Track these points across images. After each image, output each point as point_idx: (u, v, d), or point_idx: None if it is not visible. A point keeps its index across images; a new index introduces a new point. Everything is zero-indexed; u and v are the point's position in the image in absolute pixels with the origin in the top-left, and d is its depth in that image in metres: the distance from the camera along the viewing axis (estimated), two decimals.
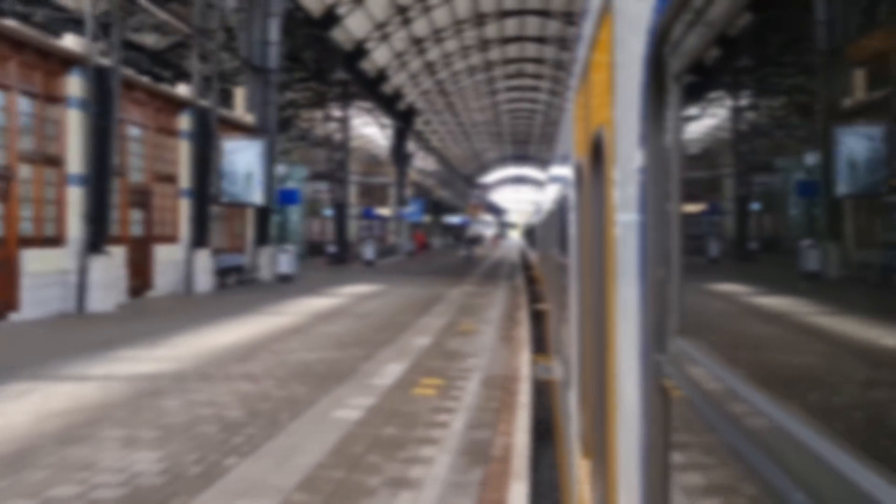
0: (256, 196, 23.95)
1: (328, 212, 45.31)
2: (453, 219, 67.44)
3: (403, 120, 49.83)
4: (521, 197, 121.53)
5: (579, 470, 3.13)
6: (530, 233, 31.98)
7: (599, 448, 2.23)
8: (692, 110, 1.27)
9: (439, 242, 70.07)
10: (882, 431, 0.63)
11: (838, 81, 0.86)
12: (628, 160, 1.49)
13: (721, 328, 1.20)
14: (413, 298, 19.93)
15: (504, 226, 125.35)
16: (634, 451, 1.38)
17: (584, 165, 2.75)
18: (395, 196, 50.72)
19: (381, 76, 43.04)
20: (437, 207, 68.32)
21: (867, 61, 0.75)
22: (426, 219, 61.51)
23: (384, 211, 54.54)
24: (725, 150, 1.59)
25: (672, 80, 1.20)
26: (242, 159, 23.48)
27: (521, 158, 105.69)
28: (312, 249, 44.26)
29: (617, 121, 1.65)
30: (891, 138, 0.68)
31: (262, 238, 26.39)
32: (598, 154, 2.22)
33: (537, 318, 15.01)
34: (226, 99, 28.72)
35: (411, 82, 48.71)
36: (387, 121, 48.56)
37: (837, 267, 0.88)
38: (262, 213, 26.05)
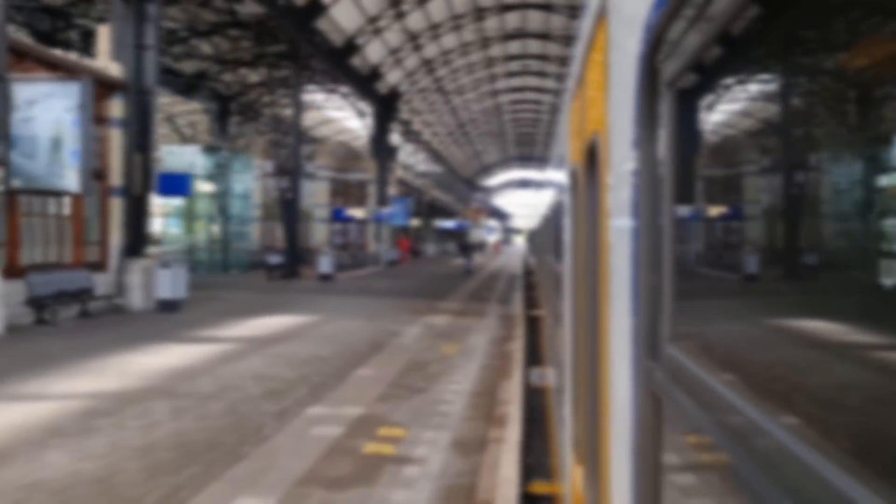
0: (69, 178, 15.04)
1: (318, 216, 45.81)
2: (447, 223, 58.84)
3: (384, 105, 43.53)
4: (526, 201, 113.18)
5: (572, 476, 3.20)
6: (532, 238, 29.28)
7: (592, 454, 2.28)
8: (686, 116, 1.29)
9: (434, 249, 61.30)
10: (875, 441, 0.65)
11: (834, 86, 0.89)
12: (622, 166, 1.55)
13: (713, 335, 1.22)
14: (339, 346, 13.16)
15: (509, 231, 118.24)
16: (626, 458, 1.44)
17: (579, 171, 2.85)
18: (376, 195, 43.95)
19: (351, 46, 33.84)
20: (430, 210, 59.64)
21: (865, 67, 0.79)
22: (415, 222, 56.47)
23: (359, 213, 46.96)
24: (719, 157, 1.54)
25: (666, 86, 1.24)
26: (45, 116, 14.29)
27: (525, 160, 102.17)
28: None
29: (611, 126, 1.72)
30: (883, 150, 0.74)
31: (135, 246, 17.49)
32: (592, 160, 2.29)
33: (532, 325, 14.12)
34: (86, 42, 19.99)
35: (392, 59, 41.32)
36: (366, 108, 42.69)
37: (826, 274, 0.90)
38: (135, 208, 17.27)
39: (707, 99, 1.30)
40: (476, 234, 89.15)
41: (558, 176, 4.97)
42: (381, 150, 43.08)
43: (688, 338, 1.17)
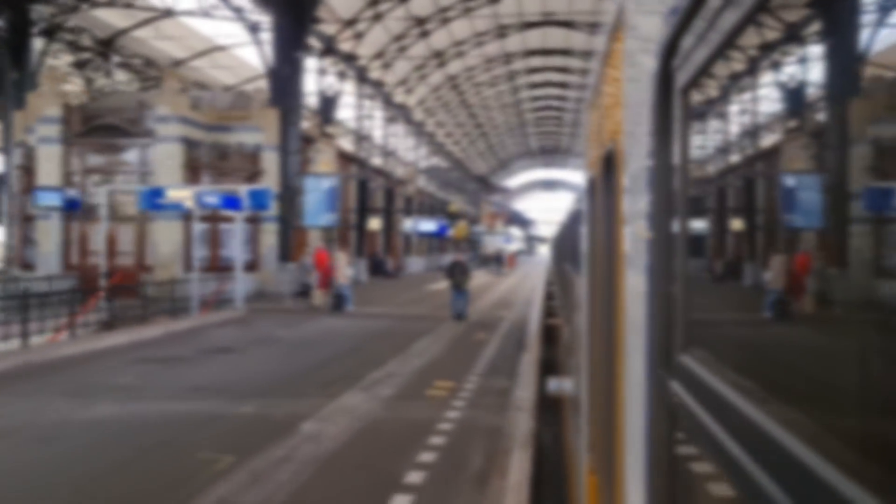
0: None
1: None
2: (427, 226, 45.34)
3: (294, 13, 26.20)
4: (551, 206, 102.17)
5: (587, 485, 3.20)
6: (553, 248, 23.92)
7: (606, 464, 2.29)
8: (701, 125, 1.35)
9: (421, 265, 49.80)
10: (893, 450, 0.65)
11: (844, 94, 0.91)
12: (638, 175, 1.57)
13: (726, 343, 1.24)
14: None
15: (532, 239, 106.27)
16: (640, 467, 1.45)
17: (596, 180, 2.86)
18: (280, 171, 25.72)
19: None
20: (420, 208, 47.99)
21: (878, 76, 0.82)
22: (375, 223, 38.46)
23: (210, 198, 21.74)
24: (733, 165, 1.66)
25: (680, 95, 1.27)
26: None
27: (549, 153, 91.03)
28: (88, 279, 22.78)
29: (627, 135, 1.74)
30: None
31: None
32: (609, 168, 2.31)
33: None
34: None
35: None
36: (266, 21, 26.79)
37: (842, 284, 0.90)
38: None
39: (721, 107, 1.43)
40: (491, 243, 77.92)
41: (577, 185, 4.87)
42: (286, 92, 25.83)
43: (701, 346, 1.18)
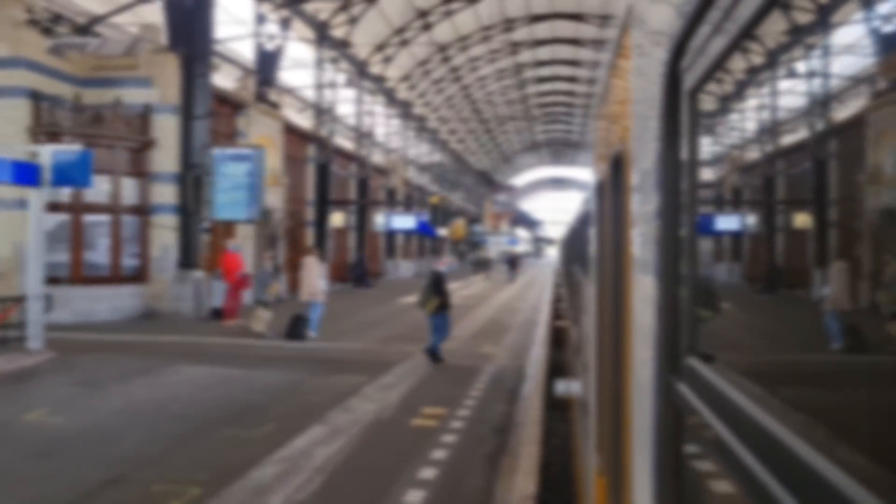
0: None
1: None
2: (403, 221, 35.03)
3: None
4: (560, 206, 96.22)
5: (595, 488, 3.21)
6: (562, 251, 22.16)
7: (615, 467, 2.30)
8: (709, 127, 1.37)
9: (411, 269, 41.94)
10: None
11: (853, 96, 0.93)
12: (646, 177, 1.58)
13: (734, 348, 1.25)
14: None
15: (539, 241, 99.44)
16: (648, 470, 1.45)
17: (605, 182, 2.88)
18: (181, 142, 18.21)
19: None
20: (407, 201, 39.58)
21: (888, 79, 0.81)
22: (339, 218, 30.81)
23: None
24: (743, 167, 1.64)
25: (689, 96, 1.27)
26: None
27: (558, 147, 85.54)
28: None
29: (635, 138, 1.76)
30: None
31: None
32: (617, 170, 2.32)
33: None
34: None
35: None
36: None
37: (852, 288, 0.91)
38: None
39: (730, 109, 1.40)
40: (495, 245, 70.71)
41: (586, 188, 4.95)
42: (193, 28, 18.36)
43: (708, 350, 1.18)
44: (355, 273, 31.53)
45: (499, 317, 20.38)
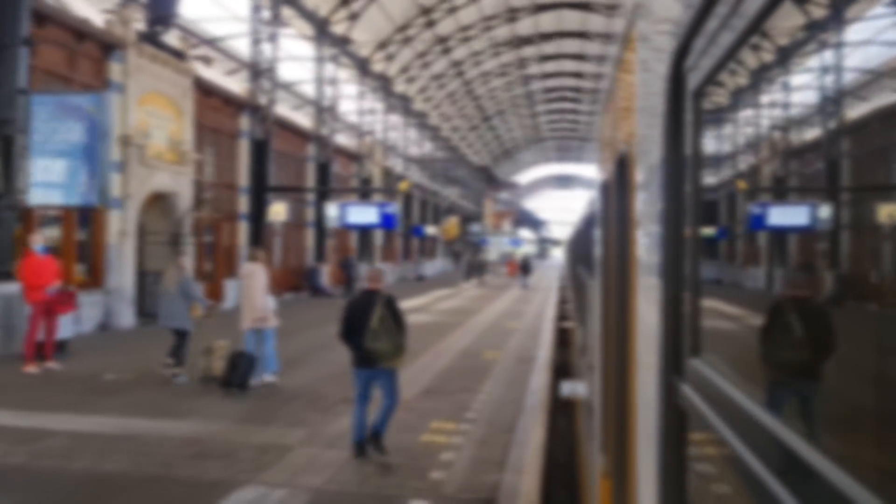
0: None
1: None
2: (360, 214, 27.54)
3: None
4: (567, 205, 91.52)
5: (600, 489, 3.17)
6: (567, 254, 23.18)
7: (619, 468, 2.29)
8: (714, 129, 1.31)
9: (392, 273, 35.04)
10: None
11: (856, 98, 0.89)
12: (651, 178, 1.57)
13: (736, 349, 1.25)
14: None
15: (544, 242, 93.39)
16: (652, 472, 1.44)
17: (610, 183, 2.88)
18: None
19: None
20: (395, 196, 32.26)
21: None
22: (279, 210, 23.04)
23: None
24: (747, 170, 1.63)
25: (693, 97, 1.26)
26: None
27: (565, 145, 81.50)
28: None
29: (640, 139, 1.75)
30: None
31: None
32: (622, 171, 2.31)
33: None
34: None
35: None
36: None
37: (855, 291, 0.89)
38: None
39: (735, 111, 1.35)
40: (497, 246, 64.38)
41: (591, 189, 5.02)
42: None
43: (711, 351, 1.17)
44: (312, 280, 25.28)
45: (475, 351, 13.68)
